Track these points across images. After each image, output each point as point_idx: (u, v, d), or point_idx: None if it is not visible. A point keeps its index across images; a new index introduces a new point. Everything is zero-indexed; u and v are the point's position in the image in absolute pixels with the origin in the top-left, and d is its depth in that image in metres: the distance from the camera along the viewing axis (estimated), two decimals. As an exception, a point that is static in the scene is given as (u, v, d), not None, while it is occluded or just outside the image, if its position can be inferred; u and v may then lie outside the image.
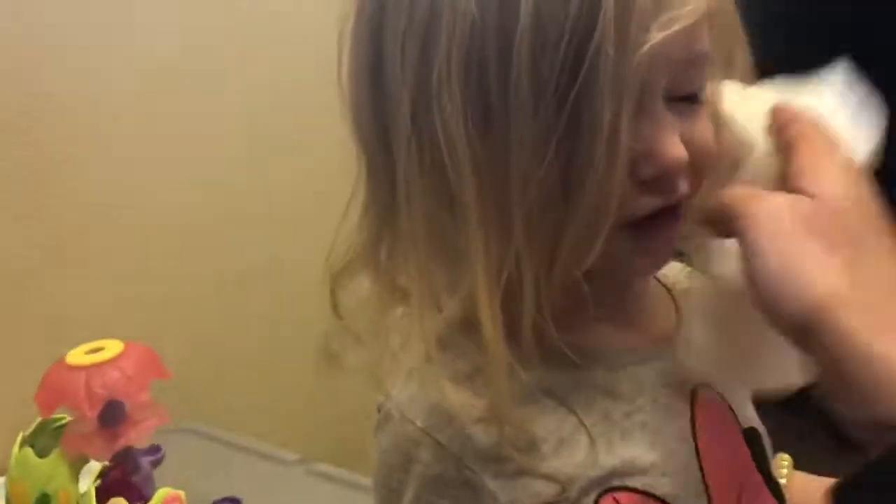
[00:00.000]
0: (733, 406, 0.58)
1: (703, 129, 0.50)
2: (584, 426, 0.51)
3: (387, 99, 0.49)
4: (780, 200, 0.47)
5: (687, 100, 0.49)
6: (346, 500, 1.12)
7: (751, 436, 0.58)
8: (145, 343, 0.98)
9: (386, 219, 0.51)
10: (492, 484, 0.50)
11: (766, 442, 0.60)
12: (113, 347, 0.94)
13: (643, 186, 0.47)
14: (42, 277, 1.22)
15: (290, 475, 1.19)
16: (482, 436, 0.49)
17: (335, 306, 0.53)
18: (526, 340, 0.48)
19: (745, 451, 0.57)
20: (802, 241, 0.45)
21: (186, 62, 1.34)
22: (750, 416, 0.60)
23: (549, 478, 0.50)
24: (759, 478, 0.57)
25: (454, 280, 0.49)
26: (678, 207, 0.49)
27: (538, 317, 0.48)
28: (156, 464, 1.01)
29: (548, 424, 0.51)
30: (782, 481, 0.62)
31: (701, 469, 0.54)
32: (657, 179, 0.47)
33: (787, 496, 0.59)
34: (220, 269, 1.41)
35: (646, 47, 0.44)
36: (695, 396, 0.56)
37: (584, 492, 0.50)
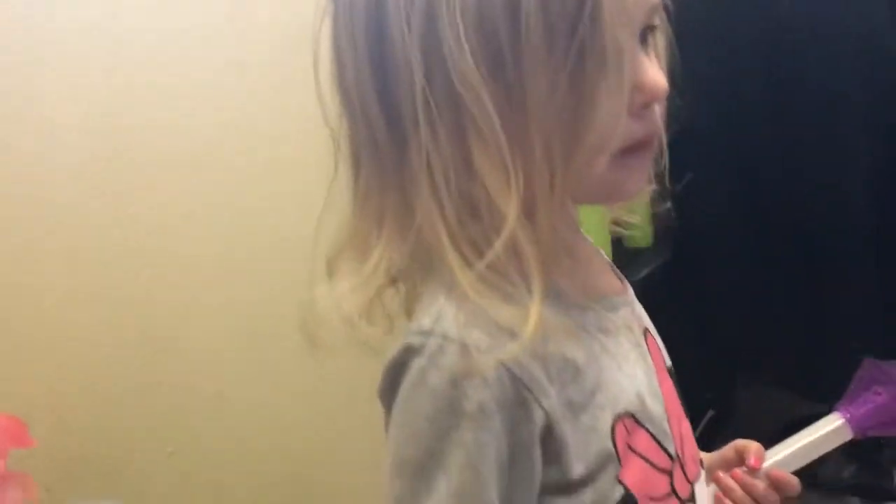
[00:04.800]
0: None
1: (657, 64, 0.54)
2: (609, 353, 0.55)
3: (396, 69, 0.50)
4: None
5: (643, 36, 0.53)
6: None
7: (672, 372, 0.66)
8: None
9: (404, 175, 0.52)
10: (547, 404, 0.50)
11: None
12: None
13: (632, 116, 0.52)
14: None
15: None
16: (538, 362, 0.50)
17: (314, 299, 0.54)
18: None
19: (671, 384, 0.64)
20: None
21: None
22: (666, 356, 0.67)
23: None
24: (682, 410, 0.65)
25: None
26: (653, 139, 0.54)
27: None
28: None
29: (577, 352, 0.53)
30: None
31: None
32: (643, 109, 0.52)
33: None
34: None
35: None
36: (646, 338, 0.62)
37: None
